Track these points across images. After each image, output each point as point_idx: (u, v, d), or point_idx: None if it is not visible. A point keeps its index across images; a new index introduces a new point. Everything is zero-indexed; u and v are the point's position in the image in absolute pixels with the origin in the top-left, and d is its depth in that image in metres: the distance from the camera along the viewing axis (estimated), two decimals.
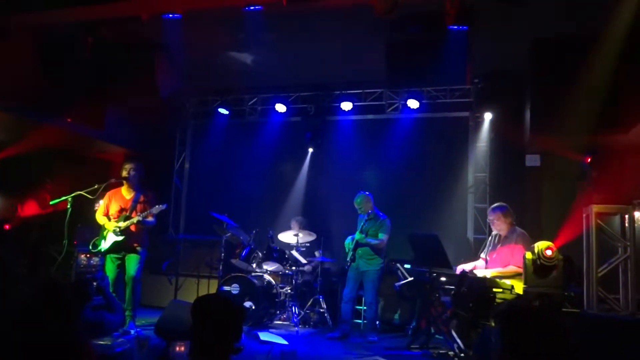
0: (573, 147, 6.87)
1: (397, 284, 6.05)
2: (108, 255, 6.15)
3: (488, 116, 8.00)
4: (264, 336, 5.88)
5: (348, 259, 6.60)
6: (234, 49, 7.27)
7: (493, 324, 4.28)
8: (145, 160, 6.68)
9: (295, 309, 7.25)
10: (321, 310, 7.44)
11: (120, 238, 6.05)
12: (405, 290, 6.01)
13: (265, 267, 7.49)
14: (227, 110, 9.16)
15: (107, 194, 6.35)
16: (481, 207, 7.79)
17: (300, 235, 7.65)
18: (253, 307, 6.86)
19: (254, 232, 7.65)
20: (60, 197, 6.19)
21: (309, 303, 7.53)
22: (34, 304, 2.56)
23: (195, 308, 2.43)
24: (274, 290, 7.30)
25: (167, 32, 6.11)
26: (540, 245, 4.81)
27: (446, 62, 5.92)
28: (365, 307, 7.13)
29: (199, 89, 9.08)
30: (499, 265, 5.42)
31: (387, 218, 6.69)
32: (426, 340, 5.83)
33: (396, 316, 7.33)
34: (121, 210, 6.19)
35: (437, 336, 6.09)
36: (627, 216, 5.27)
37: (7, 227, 7.90)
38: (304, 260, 7.58)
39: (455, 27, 5.67)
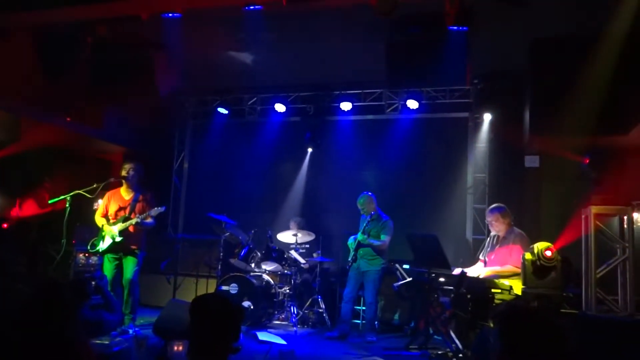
0: (572, 148, 6.88)
1: (395, 284, 6.04)
2: (106, 255, 6.15)
3: (487, 117, 8.01)
4: (262, 336, 5.89)
5: (349, 259, 6.60)
6: (234, 48, 7.26)
7: (492, 325, 4.28)
8: (144, 160, 6.68)
9: (293, 309, 7.24)
10: (320, 310, 7.44)
11: (119, 239, 6.05)
12: (404, 290, 6.00)
13: (264, 266, 7.48)
14: (226, 109, 9.16)
15: (107, 194, 6.35)
16: (480, 208, 7.79)
17: (299, 235, 7.65)
18: (251, 307, 6.85)
19: (252, 231, 7.65)
20: (59, 196, 6.18)
21: (308, 303, 7.54)
22: (33, 303, 2.57)
23: (193, 307, 2.43)
24: (273, 290, 7.30)
25: (167, 32, 6.10)
26: (539, 245, 4.80)
27: (446, 62, 5.91)
28: (364, 307, 7.13)
29: (199, 88, 9.08)
30: (497, 266, 5.41)
31: (390, 219, 6.69)
32: (425, 341, 5.84)
33: (396, 316, 7.33)
34: (120, 210, 6.18)
35: (435, 337, 6.09)
36: (626, 217, 5.27)
37: (5, 226, 7.89)
38: (302, 260, 7.58)
39: (455, 27, 5.67)
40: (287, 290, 7.40)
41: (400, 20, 5.98)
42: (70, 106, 7.19)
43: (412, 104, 7.97)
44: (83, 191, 6.13)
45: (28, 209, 8.32)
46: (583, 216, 5.43)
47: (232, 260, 7.51)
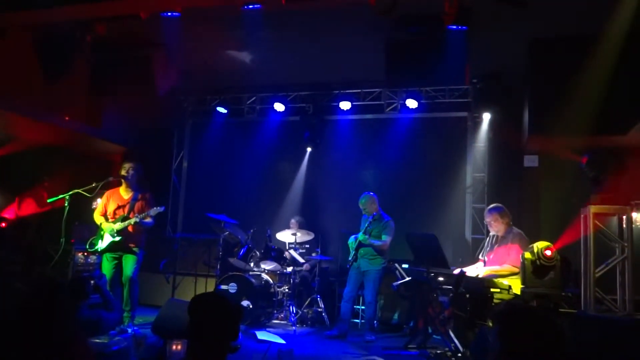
0: (571, 147, 6.89)
1: (394, 283, 6.04)
2: (105, 255, 6.15)
3: (486, 116, 8.01)
4: (261, 335, 5.88)
5: (350, 259, 6.60)
6: (233, 47, 7.25)
7: (490, 324, 4.28)
8: (143, 159, 6.68)
9: (292, 308, 7.24)
10: (319, 309, 7.44)
11: (118, 238, 6.05)
12: (403, 290, 6.00)
13: (263, 266, 7.48)
14: (225, 109, 9.15)
15: (106, 194, 6.36)
16: (479, 207, 7.80)
17: (298, 234, 7.64)
18: (250, 306, 6.85)
19: (251, 231, 7.65)
20: (57, 195, 6.17)
21: (307, 302, 7.54)
22: (32, 302, 2.56)
23: (192, 307, 2.42)
24: (272, 290, 7.30)
25: (166, 31, 6.10)
26: (539, 245, 4.80)
27: (445, 62, 5.92)
28: (364, 307, 7.13)
29: (198, 87, 9.07)
30: (496, 265, 5.42)
31: (391, 220, 6.68)
32: (424, 340, 5.83)
33: (395, 316, 7.33)
34: (119, 209, 6.18)
35: (434, 336, 6.10)
36: (624, 217, 5.28)
37: (3, 225, 7.88)
38: (301, 260, 7.57)
39: (454, 27, 5.67)
40: (286, 290, 7.40)
41: (399, 20, 5.98)
42: (68, 105, 7.18)
43: (412, 103, 7.97)
44: (82, 190, 6.12)
45: (27, 207, 8.31)
46: (582, 216, 5.44)
47: (231, 260, 7.51)
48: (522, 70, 6.91)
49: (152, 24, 5.92)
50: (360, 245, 6.56)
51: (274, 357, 5.11)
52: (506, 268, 5.25)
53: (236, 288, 7.02)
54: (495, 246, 5.59)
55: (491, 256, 5.58)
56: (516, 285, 4.95)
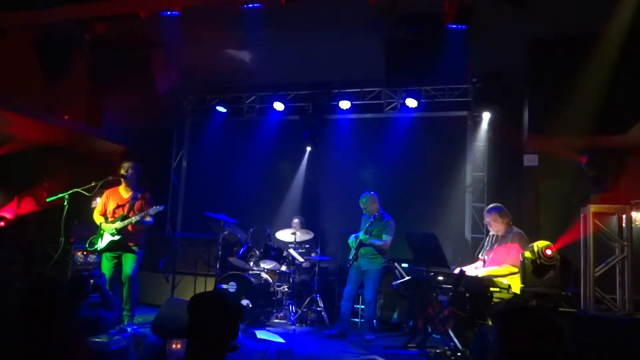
0: (571, 147, 6.89)
1: (394, 282, 6.04)
2: (104, 254, 6.14)
3: (486, 116, 8.00)
4: (260, 334, 5.88)
5: (350, 258, 6.60)
6: (233, 46, 7.25)
7: (490, 324, 4.29)
8: (142, 158, 6.67)
9: (292, 308, 7.24)
10: (318, 309, 7.44)
11: (117, 237, 6.05)
12: (402, 289, 6.00)
13: (262, 265, 7.48)
14: (225, 108, 9.15)
15: (105, 193, 6.35)
16: (479, 207, 7.79)
17: (298, 234, 7.64)
18: (250, 306, 6.85)
19: (251, 230, 7.65)
20: (57, 195, 6.17)
21: (306, 302, 7.54)
22: (31, 302, 2.56)
23: (192, 306, 2.42)
24: (271, 289, 7.30)
25: (166, 30, 6.09)
26: (539, 244, 4.80)
27: (445, 61, 5.92)
28: (363, 306, 7.13)
29: (197, 87, 9.06)
30: (496, 265, 5.42)
31: (392, 219, 6.67)
32: (423, 340, 5.83)
33: (395, 315, 7.33)
34: (118, 208, 6.18)
35: (434, 335, 6.10)
36: (624, 216, 5.29)
37: (2, 224, 7.88)
38: (301, 259, 7.57)
39: (454, 26, 5.66)
40: (286, 289, 7.40)
41: (399, 19, 5.98)
42: (68, 104, 7.17)
43: (411, 102, 7.97)
44: (81, 189, 6.11)
45: (26, 207, 8.31)
46: (582, 215, 5.44)
47: (231, 259, 7.51)
48: (522, 70, 6.91)
49: (152, 24, 5.92)
50: (360, 244, 6.56)
51: (274, 357, 5.10)
52: (505, 268, 5.25)
53: (236, 287, 7.02)
54: (495, 245, 5.58)
55: (491, 255, 5.58)
56: (516, 285, 4.95)
